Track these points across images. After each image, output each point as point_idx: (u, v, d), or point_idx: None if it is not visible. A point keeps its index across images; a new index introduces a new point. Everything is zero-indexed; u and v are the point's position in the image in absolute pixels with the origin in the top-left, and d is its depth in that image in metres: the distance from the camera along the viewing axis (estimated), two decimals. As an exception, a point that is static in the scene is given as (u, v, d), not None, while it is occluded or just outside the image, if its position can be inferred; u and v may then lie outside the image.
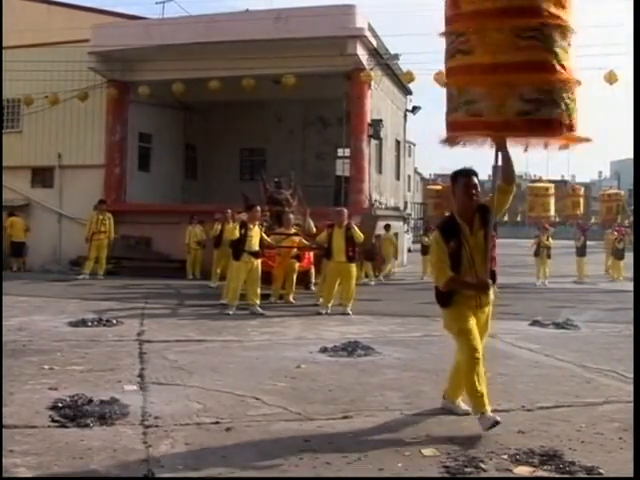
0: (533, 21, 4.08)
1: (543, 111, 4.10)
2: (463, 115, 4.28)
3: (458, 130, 4.40)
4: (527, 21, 4.07)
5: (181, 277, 16.05)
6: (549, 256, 17.67)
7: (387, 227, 17.98)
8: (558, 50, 4.11)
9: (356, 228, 10.95)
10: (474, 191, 4.42)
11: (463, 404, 4.71)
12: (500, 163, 4.35)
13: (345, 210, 11.21)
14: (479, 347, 4.40)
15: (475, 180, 4.45)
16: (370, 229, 14.97)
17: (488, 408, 4.31)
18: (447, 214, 4.71)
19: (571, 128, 4.21)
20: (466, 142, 4.53)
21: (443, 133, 4.50)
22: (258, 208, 10.90)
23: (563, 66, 4.13)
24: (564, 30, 4.16)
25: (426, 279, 18.08)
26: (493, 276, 4.53)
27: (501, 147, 4.33)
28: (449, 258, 4.39)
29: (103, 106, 18.45)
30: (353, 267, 10.83)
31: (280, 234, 12.14)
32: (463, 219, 4.43)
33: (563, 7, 4.15)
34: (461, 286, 4.43)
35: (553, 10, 4.10)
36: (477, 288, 4.42)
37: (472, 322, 4.45)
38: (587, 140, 4.42)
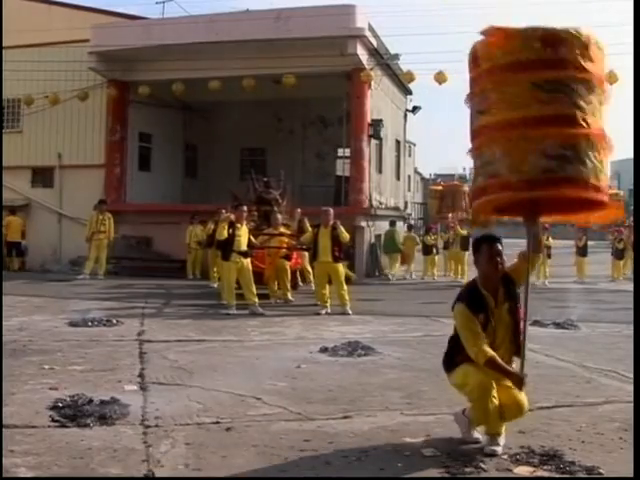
0: (558, 73, 3.78)
1: (568, 169, 3.75)
2: (481, 180, 3.99)
3: (478, 197, 4.06)
4: (550, 73, 3.78)
5: (181, 277, 16.05)
6: (549, 256, 17.66)
7: (392, 223, 18.27)
8: (584, 105, 3.79)
9: (342, 228, 10.83)
10: (499, 259, 4.09)
11: (477, 432, 4.27)
12: (531, 237, 4.11)
13: (331, 210, 11.12)
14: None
15: (499, 247, 4.12)
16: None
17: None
18: (470, 283, 4.29)
19: (598, 190, 3.85)
20: (498, 216, 4.29)
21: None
22: (244, 207, 10.87)
23: (589, 122, 3.80)
24: (591, 84, 3.85)
25: (427, 279, 18.18)
26: (518, 349, 4.14)
27: (532, 224, 4.08)
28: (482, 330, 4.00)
29: (103, 106, 18.45)
30: (339, 266, 10.76)
31: (266, 234, 12.11)
32: (487, 290, 4.10)
33: (591, 60, 3.83)
34: (499, 371, 3.97)
35: (580, 63, 3.80)
36: (513, 380, 3.99)
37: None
38: (618, 211, 4.16)
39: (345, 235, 10.80)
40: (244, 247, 10.46)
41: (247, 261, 10.53)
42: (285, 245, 12.03)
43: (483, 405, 3.94)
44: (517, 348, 4.11)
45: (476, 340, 3.96)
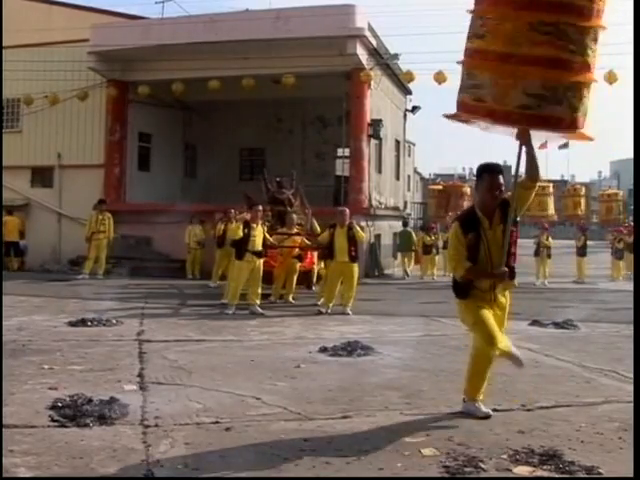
0: (551, 16, 3.99)
1: (544, 108, 4.06)
2: (468, 98, 4.28)
3: (463, 111, 4.39)
4: (545, 16, 4.00)
5: (181, 277, 16.05)
6: (549, 256, 17.67)
7: (405, 223, 19.05)
8: (573, 47, 4.03)
9: (358, 228, 10.95)
10: (497, 192, 4.40)
11: (483, 406, 4.64)
12: (524, 159, 4.33)
13: (347, 210, 11.21)
14: (498, 336, 4.41)
15: (500, 179, 4.42)
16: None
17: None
18: (469, 206, 4.74)
19: (572, 126, 4.17)
20: (469, 123, 4.52)
21: (452, 109, 4.49)
22: (260, 207, 10.90)
23: (576, 64, 4.06)
24: (586, 28, 4.06)
25: (426, 279, 18.20)
26: (512, 272, 4.51)
27: (525, 142, 4.27)
28: (467, 250, 4.39)
29: (103, 106, 18.45)
30: (355, 267, 10.84)
31: (282, 234, 12.14)
32: (483, 213, 4.44)
33: (597, 4, 4.05)
34: (479, 276, 4.43)
35: (579, 3, 4.00)
36: (494, 277, 4.41)
37: (488, 313, 4.46)
38: (588, 138, 4.38)
39: (361, 235, 10.90)
40: (259, 247, 10.46)
41: (260, 261, 10.53)
42: (298, 245, 12.05)
43: (483, 360, 4.46)
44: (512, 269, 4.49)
45: (457, 256, 4.44)
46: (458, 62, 4.39)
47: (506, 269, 4.38)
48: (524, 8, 4.00)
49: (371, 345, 7.22)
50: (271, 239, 11.16)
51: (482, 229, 4.40)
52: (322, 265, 12.32)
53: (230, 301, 10.36)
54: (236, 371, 6.12)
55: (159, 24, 17.63)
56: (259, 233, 10.50)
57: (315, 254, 12.77)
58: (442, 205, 20.97)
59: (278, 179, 13.87)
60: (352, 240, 10.72)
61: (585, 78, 4.13)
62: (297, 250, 11.97)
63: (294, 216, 12.48)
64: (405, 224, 19.32)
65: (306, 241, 12.12)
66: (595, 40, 4.15)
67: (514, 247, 4.48)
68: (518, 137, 4.29)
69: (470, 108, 4.29)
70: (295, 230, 12.28)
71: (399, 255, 19.82)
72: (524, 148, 4.30)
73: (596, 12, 4.07)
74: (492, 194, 4.39)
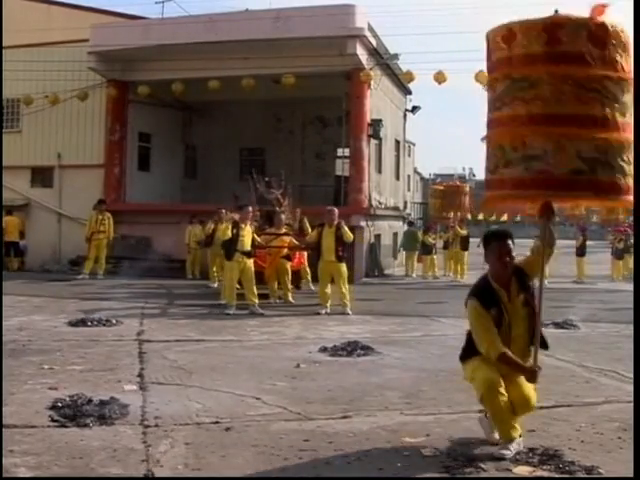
0: (601, 72, 3.71)
1: (599, 172, 3.73)
2: (523, 171, 3.80)
3: (508, 189, 3.91)
4: (592, 71, 3.70)
5: (181, 277, 16.04)
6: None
7: (411, 223, 18.90)
8: (618, 106, 3.76)
9: (346, 228, 10.89)
10: (508, 258, 4.03)
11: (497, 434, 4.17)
12: (546, 231, 4.04)
13: (336, 210, 11.16)
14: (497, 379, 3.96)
15: (509, 245, 4.04)
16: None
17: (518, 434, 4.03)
18: (482, 277, 4.21)
19: (622, 192, 3.83)
20: (506, 209, 4.28)
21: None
22: (250, 208, 10.90)
23: (621, 124, 3.78)
24: (626, 84, 3.81)
25: (429, 279, 18.20)
26: (544, 342, 4.20)
27: (548, 217, 3.98)
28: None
29: (103, 106, 18.43)
30: (343, 266, 10.78)
31: (270, 234, 12.12)
32: (499, 284, 4.06)
33: (627, 53, 3.81)
34: (511, 366, 3.94)
35: (618, 59, 3.74)
36: (526, 375, 3.96)
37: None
38: (630, 204, 4.01)
39: (349, 235, 10.85)
40: (248, 247, 10.48)
41: (250, 261, 10.55)
42: (287, 245, 12.04)
43: (491, 400, 3.91)
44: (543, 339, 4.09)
45: (487, 335, 3.92)
46: (482, 139, 4.03)
47: (538, 368, 3.97)
48: (565, 63, 3.70)
49: (371, 345, 7.23)
50: (259, 239, 11.15)
51: (502, 303, 4.00)
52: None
53: (228, 301, 10.37)
54: (236, 371, 6.12)
55: (159, 24, 17.61)
56: (247, 233, 10.51)
57: (305, 254, 12.75)
58: (443, 205, 20.97)
59: (267, 179, 13.85)
60: (340, 240, 10.69)
61: (629, 139, 3.85)
62: (286, 250, 11.96)
63: (282, 216, 12.45)
64: (411, 224, 19.42)
65: (294, 241, 12.11)
66: (627, 93, 3.86)
67: (538, 317, 4.10)
68: (543, 211, 3.95)
69: (525, 183, 3.80)
70: (284, 230, 12.25)
71: (404, 254, 19.98)
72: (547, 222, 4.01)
73: (621, 66, 3.81)
74: (503, 261, 4.02)
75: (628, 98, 3.84)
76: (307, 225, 12.62)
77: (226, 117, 21.27)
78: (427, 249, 19.12)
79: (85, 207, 16.73)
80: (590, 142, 3.72)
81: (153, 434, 4.19)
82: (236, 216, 10.70)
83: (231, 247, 10.39)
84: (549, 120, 3.73)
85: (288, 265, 11.83)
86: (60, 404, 4.67)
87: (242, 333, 8.42)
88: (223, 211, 13.41)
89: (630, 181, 3.85)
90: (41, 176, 19.23)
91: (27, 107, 18.27)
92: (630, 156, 3.84)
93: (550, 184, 3.75)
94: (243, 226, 10.47)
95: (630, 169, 3.84)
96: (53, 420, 4.40)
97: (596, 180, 3.74)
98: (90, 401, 4.71)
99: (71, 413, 4.48)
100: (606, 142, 3.74)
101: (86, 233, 15.85)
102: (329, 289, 10.73)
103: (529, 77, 3.78)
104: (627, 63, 3.81)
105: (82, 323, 8.50)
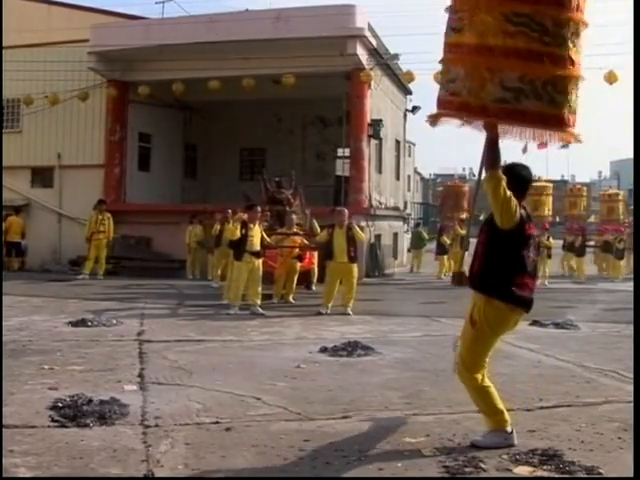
0: (525, 7, 3.88)
1: (522, 102, 3.91)
2: (444, 93, 4.16)
3: (439, 108, 4.25)
4: (519, 6, 3.88)
5: (181, 277, 16.05)
6: (549, 256, 17.65)
7: (417, 224, 18.81)
8: (548, 39, 3.90)
9: (357, 228, 10.94)
10: None
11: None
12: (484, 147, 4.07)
13: (345, 210, 11.20)
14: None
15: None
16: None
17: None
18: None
19: (557, 123, 4.02)
20: (448, 121, 4.30)
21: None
22: (258, 208, 10.90)
23: (553, 57, 3.93)
24: (563, 20, 3.94)
25: (445, 278, 18.10)
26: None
27: (490, 130, 4.04)
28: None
29: (103, 106, 18.45)
30: (355, 267, 10.83)
31: (281, 234, 12.14)
32: None
33: None
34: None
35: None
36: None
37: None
38: (576, 139, 4.17)
39: (361, 235, 10.89)
40: (257, 247, 10.46)
41: (259, 261, 10.53)
42: (298, 245, 12.05)
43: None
44: None
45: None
46: (439, 61, 4.29)
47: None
48: None
49: (371, 345, 7.22)
50: (269, 239, 11.15)
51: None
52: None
53: (232, 302, 10.35)
54: (236, 371, 6.12)
55: (159, 24, 17.62)
56: (256, 233, 10.49)
57: (315, 254, 12.79)
58: (444, 205, 21.06)
59: (277, 179, 13.87)
60: (351, 240, 10.71)
61: (567, 72, 3.99)
62: (297, 250, 11.97)
63: (293, 216, 12.48)
64: (417, 224, 19.56)
65: (305, 241, 12.11)
66: (577, 35, 4.02)
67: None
68: (485, 128, 4.08)
69: (445, 103, 4.16)
70: (294, 230, 12.27)
71: (408, 253, 20.87)
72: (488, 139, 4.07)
73: (575, 5, 3.96)
74: None
75: (572, 36, 3.97)
76: (316, 225, 12.61)
77: (226, 117, 21.28)
78: (443, 249, 19.11)
79: (85, 207, 16.74)
80: (513, 73, 3.92)
81: (153, 434, 4.19)
82: (245, 216, 10.69)
83: (240, 247, 10.34)
84: (469, 50, 4.01)
85: (298, 266, 11.84)
86: (60, 404, 4.67)
87: (242, 333, 8.41)
88: (229, 211, 13.41)
89: (566, 113, 4.01)
90: (41, 176, 19.25)
91: (27, 107, 18.29)
92: (570, 90, 4.01)
93: (469, 109, 4.02)
94: (252, 226, 10.43)
95: (568, 103, 4.01)
96: (53, 420, 4.40)
97: (517, 109, 3.94)
98: (90, 401, 4.71)
99: (71, 413, 4.48)
100: (532, 74, 3.93)
101: (86, 233, 15.85)
102: (336, 290, 10.75)
103: (462, 8, 4.07)
104: (578, 4, 3.97)
105: (82, 323, 8.49)
